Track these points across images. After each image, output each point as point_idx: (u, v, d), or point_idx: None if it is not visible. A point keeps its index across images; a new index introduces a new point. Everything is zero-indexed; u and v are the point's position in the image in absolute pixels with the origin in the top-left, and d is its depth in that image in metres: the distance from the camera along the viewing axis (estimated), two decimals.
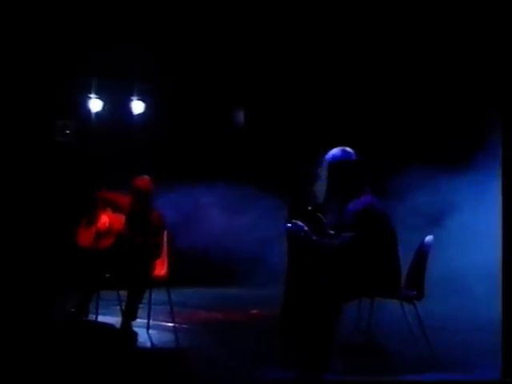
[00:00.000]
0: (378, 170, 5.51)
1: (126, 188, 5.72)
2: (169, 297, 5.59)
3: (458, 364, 4.67)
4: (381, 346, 5.11)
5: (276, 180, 7.94)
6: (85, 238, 5.54)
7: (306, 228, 4.49)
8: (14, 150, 8.39)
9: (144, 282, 5.50)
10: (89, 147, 9.01)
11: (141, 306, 5.66)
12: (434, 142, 7.61)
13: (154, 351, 5.38)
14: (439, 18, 7.19)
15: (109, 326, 5.69)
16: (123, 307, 5.67)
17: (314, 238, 4.47)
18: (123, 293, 5.74)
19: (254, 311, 7.02)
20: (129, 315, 5.52)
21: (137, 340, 5.44)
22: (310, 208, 4.71)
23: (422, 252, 4.87)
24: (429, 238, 4.90)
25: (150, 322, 5.80)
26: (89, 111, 9.32)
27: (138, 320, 5.68)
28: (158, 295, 5.75)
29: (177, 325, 5.68)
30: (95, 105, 9.32)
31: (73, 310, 5.58)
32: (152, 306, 5.77)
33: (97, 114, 9.33)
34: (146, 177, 5.72)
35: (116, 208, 5.63)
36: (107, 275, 5.47)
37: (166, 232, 5.74)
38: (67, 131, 9.18)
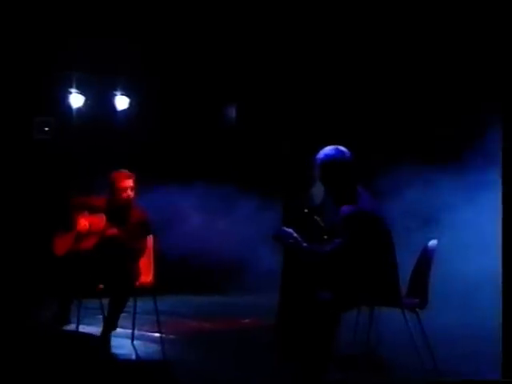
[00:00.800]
0: (368, 169, 5.49)
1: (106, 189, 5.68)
2: (155, 305, 5.53)
3: (463, 377, 4.63)
4: (381, 358, 5.09)
5: (270, 180, 7.92)
6: (62, 246, 5.48)
7: (294, 235, 4.42)
8: None
9: (128, 285, 5.42)
10: (69, 145, 8.94)
11: (124, 314, 5.60)
12: (425, 140, 7.65)
13: (139, 363, 5.34)
14: (435, 15, 7.21)
15: (85, 336, 5.61)
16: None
17: (304, 245, 4.41)
18: (107, 301, 5.68)
19: (246, 320, 6.99)
20: (110, 325, 5.43)
21: (110, 350, 5.37)
22: (306, 210, 4.65)
23: (426, 257, 4.84)
24: (432, 243, 4.86)
25: (135, 332, 5.77)
26: (69, 107, 9.25)
27: (122, 330, 5.63)
28: (144, 303, 5.70)
29: (163, 335, 5.66)
30: (76, 100, 9.25)
31: (51, 318, 5.51)
32: (137, 315, 5.73)
33: (78, 110, 9.27)
34: (125, 171, 5.66)
35: (93, 209, 5.58)
36: (88, 281, 5.40)
37: (151, 234, 5.69)
38: (46, 128, 9.11)
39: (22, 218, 8.36)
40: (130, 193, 5.60)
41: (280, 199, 6.49)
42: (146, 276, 5.63)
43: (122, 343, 5.65)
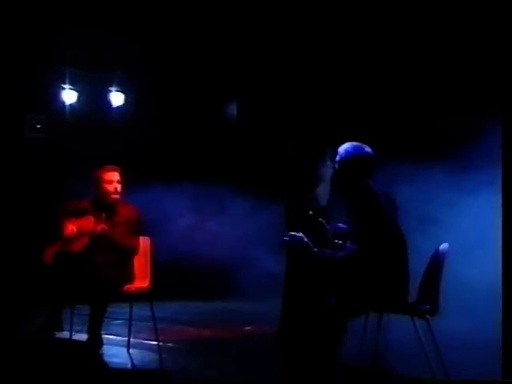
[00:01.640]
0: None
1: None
2: (152, 311, 5.52)
3: None
4: (390, 368, 5.07)
5: (270, 180, 7.93)
6: (50, 254, 5.48)
7: (305, 239, 4.42)
8: None
9: (111, 287, 5.36)
10: (61, 144, 8.93)
11: (119, 321, 5.59)
12: (424, 140, 7.70)
13: (135, 373, 5.31)
14: (435, 16, 7.25)
15: (77, 344, 5.60)
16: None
17: (315, 250, 4.41)
18: None
19: (248, 328, 6.99)
20: (93, 333, 5.35)
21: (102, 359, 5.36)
22: (310, 212, 4.65)
23: (437, 261, 4.81)
24: (443, 246, 4.84)
25: (131, 339, 5.75)
26: (62, 103, 9.25)
27: (118, 338, 5.62)
28: (140, 310, 5.68)
29: (161, 343, 5.62)
30: (69, 96, 9.26)
31: (43, 326, 5.50)
32: (133, 322, 5.72)
33: (71, 106, 9.27)
34: (111, 167, 5.67)
35: (80, 213, 5.58)
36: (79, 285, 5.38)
37: (141, 233, 5.67)
38: (38, 126, 9.10)
39: (12, 224, 8.35)
40: (117, 185, 5.61)
41: (280, 200, 6.50)
42: (142, 281, 5.61)
43: (118, 351, 5.64)
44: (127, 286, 5.47)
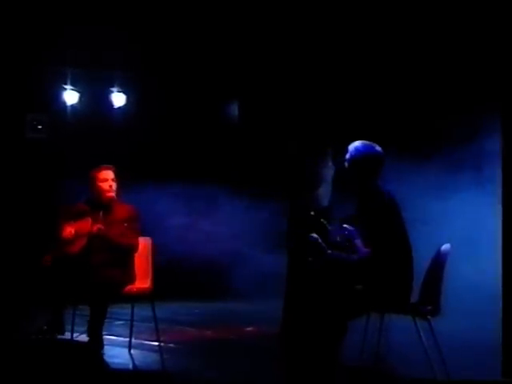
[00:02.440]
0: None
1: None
2: (153, 312, 5.53)
3: None
4: (391, 369, 5.08)
5: (270, 180, 7.94)
6: (49, 257, 5.51)
7: (319, 241, 4.44)
8: None
9: (110, 287, 5.37)
10: (63, 144, 8.95)
11: (121, 322, 5.60)
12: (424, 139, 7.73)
13: (137, 374, 5.31)
14: (435, 16, 7.27)
15: (79, 346, 5.61)
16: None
17: (329, 252, 4.42)
18: None
19: (250, 328, 6.99)
20: (93, 334, 5.38)
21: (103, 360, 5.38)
22: (312, 213, 4.66)
23: (438, 262, 4.82)
24: (445, 247, 4.85)
25: (133, 340, 5.76)
26: (63, 104, 9.26)
27: (119, 339, 5.62)
28: (141, 310, 5.68)
29: (162, 344, 5.61)
30: (70, 97, 9.26)
31: (45, 327, 5.51)
32: (134, 323, 5.72)
33: (72, 107, 9.28)
34: (105, 166, 5.69)
35: (78, 216, 5.60)
36: (78, 286, 5.39)
37: (140, 233, 5.68)
38: (39, 126, 9.12)
39: (13, 225, 8.37)
40: (112, 183, 5.64)
41: (280, 201, 6.51)
42: (144, 281, 5.60)
43: (119, 352, 5.64)
44: (129, 287, 5.48)
